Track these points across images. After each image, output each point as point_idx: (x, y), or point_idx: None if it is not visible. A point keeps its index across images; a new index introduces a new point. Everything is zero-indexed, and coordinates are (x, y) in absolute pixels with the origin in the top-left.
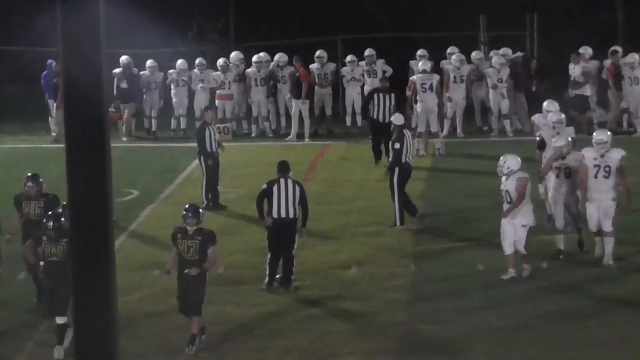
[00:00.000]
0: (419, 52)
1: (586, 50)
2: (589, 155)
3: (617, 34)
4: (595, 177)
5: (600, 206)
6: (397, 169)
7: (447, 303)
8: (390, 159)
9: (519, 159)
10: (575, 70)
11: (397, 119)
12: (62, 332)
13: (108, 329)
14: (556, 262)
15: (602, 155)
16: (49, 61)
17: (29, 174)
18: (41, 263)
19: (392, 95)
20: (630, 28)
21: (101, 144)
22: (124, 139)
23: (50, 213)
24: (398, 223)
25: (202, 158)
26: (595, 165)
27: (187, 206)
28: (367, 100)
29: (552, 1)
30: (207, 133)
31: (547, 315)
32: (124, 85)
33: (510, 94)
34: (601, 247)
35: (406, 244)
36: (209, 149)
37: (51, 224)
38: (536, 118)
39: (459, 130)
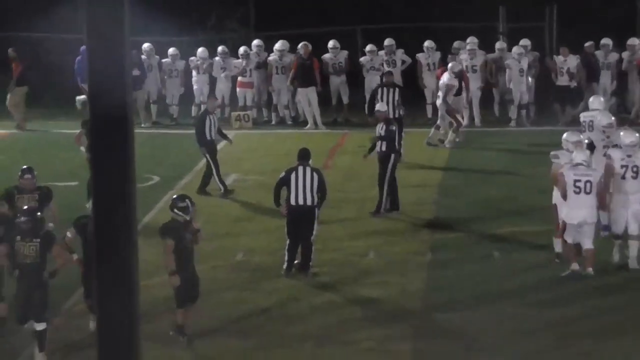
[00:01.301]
0: (426, 43)
1: (609, 42)
2: (616, 155)
3: (635, 26)
4: (623, 177)
5: (629, 208)
6: (393, 156)
7: (463, 291)
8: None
9: (586, 153)
10: (568, 62)
11: (381, 106)
12: (42, 338)
13: (130, 314)
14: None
15: (630, 155)
16: (82, 47)
17: (25, 167)
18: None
19: (397, 89)
20: None
21: (125, 131)
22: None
23: (24, 209)
24: (382, 209)
25: (201, 146)
26: (622, 166)
27: (177, 197)
28: (372, 96)
29: None
30: (207, 122)
31: (564, 305)
32: (135, 72)
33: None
34: (619, 252)
35: (423, 232)
36: (208, 137)
37: (24, 219)
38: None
39: (476, 120)
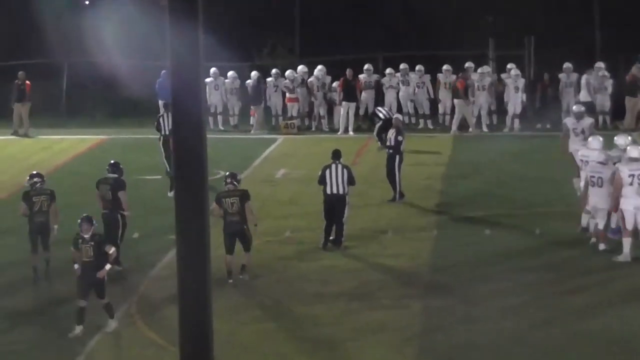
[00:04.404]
0: (445, 67)
1: (570, 66)
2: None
3: (595, 50)
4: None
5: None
6: (397, 157)
7: (461, 258)
8: (390, 144)
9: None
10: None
11: (399, 115)
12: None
13: (204, 265)
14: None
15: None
16: (163, 71)
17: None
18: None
19: None
20: (606, 46)
21: (199, 134)
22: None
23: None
24: (398, 198)
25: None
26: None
27: (227, 173)
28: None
29: (544, 25)
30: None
31: (543, 269)
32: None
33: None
34: None
35: (430, 214)
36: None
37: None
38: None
39: (483, 126)
